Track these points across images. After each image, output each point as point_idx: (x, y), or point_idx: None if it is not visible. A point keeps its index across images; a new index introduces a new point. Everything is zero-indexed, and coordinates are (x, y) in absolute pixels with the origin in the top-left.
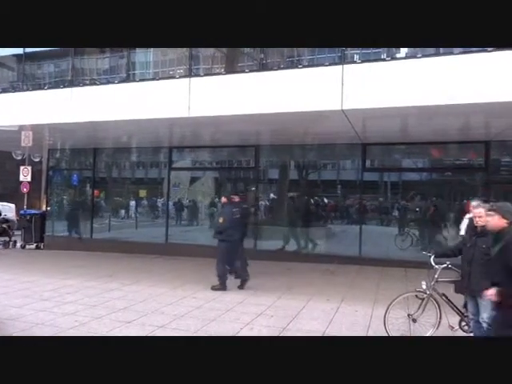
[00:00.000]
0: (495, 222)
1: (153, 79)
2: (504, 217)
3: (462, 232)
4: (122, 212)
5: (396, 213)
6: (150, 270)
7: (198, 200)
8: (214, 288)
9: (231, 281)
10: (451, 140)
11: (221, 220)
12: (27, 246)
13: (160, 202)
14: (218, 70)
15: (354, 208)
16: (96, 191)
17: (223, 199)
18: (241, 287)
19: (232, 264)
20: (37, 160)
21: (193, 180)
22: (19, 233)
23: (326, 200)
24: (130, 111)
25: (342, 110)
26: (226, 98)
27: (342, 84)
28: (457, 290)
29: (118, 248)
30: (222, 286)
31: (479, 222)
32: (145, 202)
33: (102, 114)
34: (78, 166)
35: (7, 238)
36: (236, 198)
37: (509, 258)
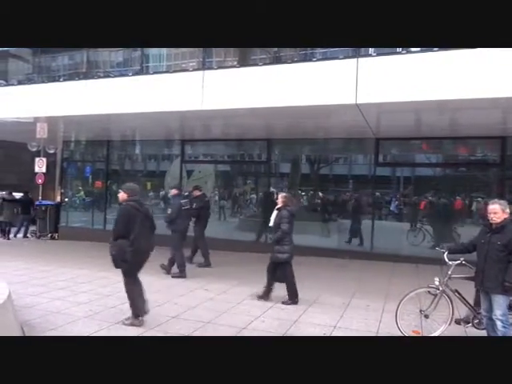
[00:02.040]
0: (122, 196)
1: (166, 72)
2: (126, 192)
3: (271, 223)
4: None
5: (408, 208)
6: (161, 261)
7: (208, 193)
8: (173, 276)
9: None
10: (466, 135)
11: (169, 211)
12: (42, 237)
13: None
14: (231, 63)
15: (367, 203)
16: (108, 183)
17: (173, 191)
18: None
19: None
20: (51, 152)
21: (202, 173)
22: None
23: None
24: (144, 104)
25: (357, 105)
26: (240, 91)
27: (357, 77)
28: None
29: None
30: (182, 274)
31: (494, 219)
32: (157, 194)
33: (115, 106)
34: (92, 157)
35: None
36: (195, 192)
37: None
